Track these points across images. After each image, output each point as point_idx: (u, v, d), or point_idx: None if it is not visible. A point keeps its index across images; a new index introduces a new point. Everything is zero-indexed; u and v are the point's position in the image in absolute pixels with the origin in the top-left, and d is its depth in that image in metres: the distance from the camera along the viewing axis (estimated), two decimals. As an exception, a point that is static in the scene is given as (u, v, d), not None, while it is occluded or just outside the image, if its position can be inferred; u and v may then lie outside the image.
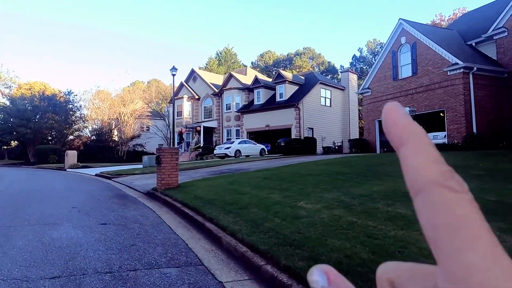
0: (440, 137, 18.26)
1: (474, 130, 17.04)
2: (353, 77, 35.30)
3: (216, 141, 34.28)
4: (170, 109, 33.42)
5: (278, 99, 31.16)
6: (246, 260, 3.92)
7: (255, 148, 26.37)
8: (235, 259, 4.12)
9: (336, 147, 28.65)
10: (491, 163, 10.02)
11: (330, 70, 60.07)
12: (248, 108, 32.71)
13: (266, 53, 66.43)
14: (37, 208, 7.19)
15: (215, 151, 26.70)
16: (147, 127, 41.01)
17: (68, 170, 22.21)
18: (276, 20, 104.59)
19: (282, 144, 24.92)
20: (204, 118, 36.60)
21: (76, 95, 40.18)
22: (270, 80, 35.48)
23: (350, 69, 38.88)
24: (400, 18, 21.15)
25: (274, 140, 27.90)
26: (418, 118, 18.11)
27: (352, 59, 58.52)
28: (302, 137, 27.24)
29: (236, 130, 33.49)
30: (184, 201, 7.20)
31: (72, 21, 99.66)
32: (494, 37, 18.42)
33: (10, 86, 42.56)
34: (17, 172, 20.34)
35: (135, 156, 35.22)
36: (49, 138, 37.59)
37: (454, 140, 17.28)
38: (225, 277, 3.59)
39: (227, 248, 4.45)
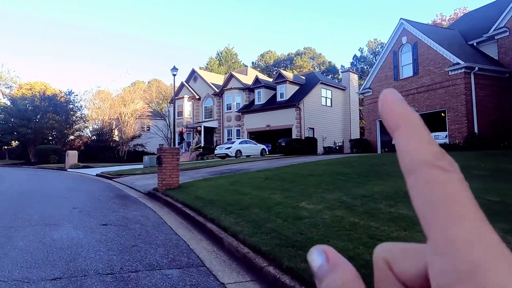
0: (441, 137, 18.23)
1: (476, 130, 17.00)
2: (354, 77, 35.26)
3: (216, 141, 34.27)
4: (171, 109, 33.45)
5: (278, 99, 31.14)
6: (248, 261, 3.90)
7: (255, 148, 26.36)
8: (237, 260, 4.10)
9: (337, 147, 28.62)
10: (492, 163, 9.98)
11: (331, 70, 60.02)
12: (248, 108, 32.69)
13: (267, 53, 66.41)
14: (37, 208, 7.18)
15: (215, 151, 26.69)
16: (147, 127, 41.00)
17: (68, 170, 22.20)
18: (276, 20, 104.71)
19: (283, 144, 24.89)
20: (205, 118, 36.58)
21: (77, 95, 40.27)
22: (270, 80, 35.47)
23: (351, 69, 38.83)
24: (401, 18, 21.11)
25: (275, 140, 27.88)
26: (419, 118, 18.02)
27: (353, 59, 58.50)
28: (303, 137, 27.22)
29: (237, 130, 33.47)
30: (185, 202, 7.18)
31: (72, 21, 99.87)
32: (496, 37, 18.37)
33: (10, 86, 42.64)
34: (17, 172, 20.33)
35: (135, 156, 35.22)
36: (50, 138, 37.62)
37: (455, 140, 17.25)
38: (227, 278, 3.57)
39: (229, 249, 4.43)
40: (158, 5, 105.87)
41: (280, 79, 31.38)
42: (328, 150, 27.27)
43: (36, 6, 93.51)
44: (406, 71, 20.93)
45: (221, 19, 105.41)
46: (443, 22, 46.70)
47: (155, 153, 16.47)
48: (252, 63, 66.94)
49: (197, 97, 37.20)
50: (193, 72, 38.84)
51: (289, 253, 3.71)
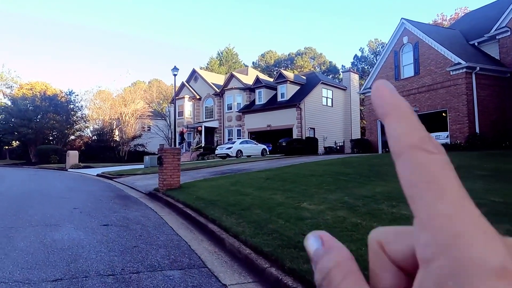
0: (443, 137, 18.18)
1: (477, 130, 16.96)
2: (355, 77, 35.23)
3: (217, 141, 34.25)
4: (171, 109, 33.47)
5: (279, 99, 31.11)
6: (250, 262, 3.87)
7: (256, 148, 26.34)
8: (238, 261, 4.07)
9: (338, 147, 28.59)
10: (494, 163, 9.95)
11: (332, 70, 59.97)
12: (249, 108, 32.67)
13: (267, 53, 66.36)
14: (38, 209, 7.16)
15: (216, 151, 26.67)
16: (148, 127, 40.99)
17: (69, 170, 22.20)
18: (277, 20, 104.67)
19: (284, 144, 24.87)
20: (205, 118, 36.57)
21: (77, 95, 40.22)
22: (271, 80, 35.44)
23: (351, 69, 38.79)
24: (402, 18, 21.05)
25: (276, 140, 27.85)
26: (421, 118, 17.80)
27: (354, 59, 58.44)
28: (304, 137, 27.19)
29: (238, 130, 33.45)
30: (186, 202, 7.15)
31: (72, 20, 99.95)
32: (497, 37, 18.33)
33: (11, 86, 42.61)
34: (18, 172, 20.33)
35: (136, 156, 35.19)
36: (51, 138, 37.61)
37: (456, 140, 17.20)
38: (229, 279, 3.55)
39: (231, 250, 4.41)
40: (158, 5, 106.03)
41: (281, 79, 31.36)
42: (329, 150, 27.24)
43: (36, 6, 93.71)
44: (407, 71, 20.88)
45: (221, 19, 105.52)
46: (444, 22, 46.62)
47: (156, 153, 16.46)
48: (253, 63, 66.94)
49: (198, 97, 37.19)
50: (193, 72, 38.84)
51: (291, 254, 3.69)
